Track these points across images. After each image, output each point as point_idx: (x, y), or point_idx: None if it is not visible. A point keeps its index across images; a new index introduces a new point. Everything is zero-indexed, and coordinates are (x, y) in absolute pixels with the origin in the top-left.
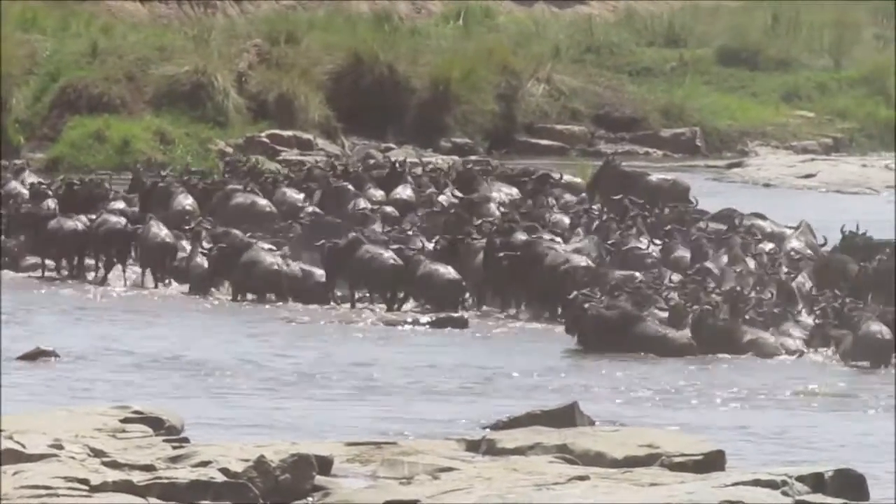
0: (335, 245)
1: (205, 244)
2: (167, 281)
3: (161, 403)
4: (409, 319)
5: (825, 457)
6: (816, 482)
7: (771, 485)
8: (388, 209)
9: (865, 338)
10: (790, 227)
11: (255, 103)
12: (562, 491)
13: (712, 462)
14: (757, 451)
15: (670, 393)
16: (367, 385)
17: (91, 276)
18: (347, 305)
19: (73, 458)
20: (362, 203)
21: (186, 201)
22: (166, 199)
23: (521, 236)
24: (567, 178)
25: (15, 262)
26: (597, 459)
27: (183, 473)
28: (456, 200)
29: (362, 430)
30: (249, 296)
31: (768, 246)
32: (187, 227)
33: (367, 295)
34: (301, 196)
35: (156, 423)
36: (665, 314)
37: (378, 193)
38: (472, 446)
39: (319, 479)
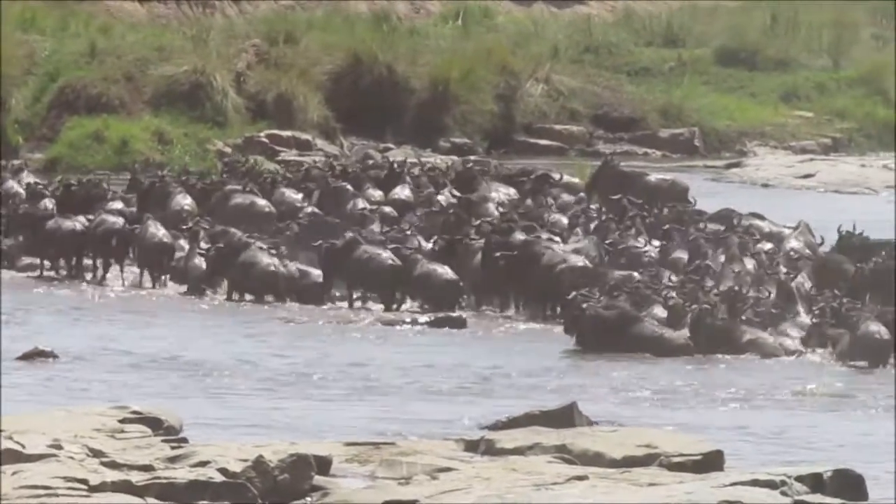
0: (333, 245)
1: (203, 244)
2: (163, 280)
3: (159, 404)
4: (408, 319)
5: (824, 457)
6: (815, 482)
7: (770, 485)
8: (387, 209)
9: (864, 338)
10: (789, 227)
11: (254, 103)
12: (560, 491)
13: (711, 462)
14: (756, 451)
15: (669, 393)
16: (366, 385)
17: (89, 276)
18: (345, 305)
19: (71, 458)
20: (361, 203)
21: (185, 201)
22: (164, 199)
23: (519, 236)
24: (565, 178)
25: (12, 262)
26: (595, 459)
27: (181, 473)
28: (455, 200)
29: (360, 430)
30: (247, 296)
31: (767, 246)
32: (185, 227)
33: (362, 295)
34: (300, 196)
35: (154, 424)
36: (664, 314)
37: (377, 193)
38: (471, 446)
39: (318, 480)
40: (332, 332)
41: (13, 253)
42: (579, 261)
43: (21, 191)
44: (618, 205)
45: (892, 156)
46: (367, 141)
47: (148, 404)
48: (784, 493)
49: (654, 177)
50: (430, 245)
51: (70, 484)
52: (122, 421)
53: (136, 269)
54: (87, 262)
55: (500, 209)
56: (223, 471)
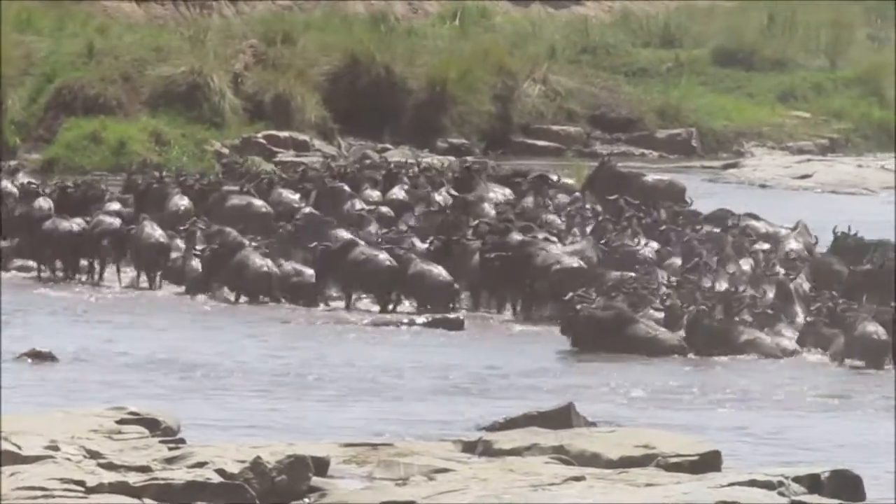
0: (328, 247)
1: (199, 245)
2: (158, 282)
3: (157, 405)
4: (405, 320)
5: (821, 457)
6: (813, 483)
7: (767, 485)
8: (384, 210)
9: (862, 338)
10: (786, 228)
11: (252, 104)
12: (558, 491)
13: (708, 462)
14: (753, 451)
15: (666, 393)
16: (363, 386)
17: (85, 277)
18: (341, 305)
19: (69, 459)
20: (358, 204)
21: (182, 202)
22: (161, 199)
23: (515, 237)
24: (562, 179)
25: (4, 264)
26: (593, 460)
27: (179, 474)
28: (452, 200)
29: (358, 431)
30: (243, 297)
31: (764, 246)
32: (182, 228)
33: (353, 295)
34: (297, 197)
35: (152, 425)
36: (661, 315)
37: (374, 194)
38: (469, 447)
39: (316, 481)
40: (328, 333)
41: (7, 254)
42: (574, 262)
43: (16, 191)
44: (615, 205)
45: (889, 156)
46: (365, 141)
47: (145, 405)
48: (781, 494)
49: (651, 177)
50: (425, 245)
51: (67, 485)
52: (119, 422)
53: (133, 270)
54: (84, 263)
55: (497, 209)
56: (221, 472)
